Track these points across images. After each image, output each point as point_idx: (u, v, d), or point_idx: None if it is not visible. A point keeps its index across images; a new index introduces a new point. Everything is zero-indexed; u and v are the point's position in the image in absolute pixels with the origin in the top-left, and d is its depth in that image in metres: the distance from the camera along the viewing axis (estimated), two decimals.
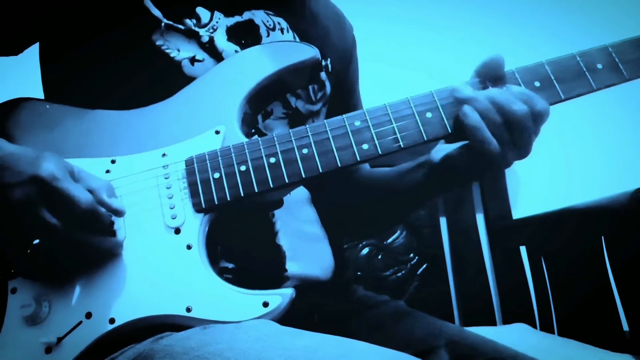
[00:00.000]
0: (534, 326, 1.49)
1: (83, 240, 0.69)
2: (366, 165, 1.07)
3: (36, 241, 0.67)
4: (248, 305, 0.67)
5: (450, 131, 0.73)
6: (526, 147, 0.73)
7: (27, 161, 0.67)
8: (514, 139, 0.72)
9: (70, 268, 0.71)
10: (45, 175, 0.66)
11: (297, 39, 0.93)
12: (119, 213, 0.71)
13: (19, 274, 0.72)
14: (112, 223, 0.73)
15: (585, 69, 0.75)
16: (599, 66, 0.75)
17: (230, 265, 0.78)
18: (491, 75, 0.76)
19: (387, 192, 0.98)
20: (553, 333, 1.41)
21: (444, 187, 0.88)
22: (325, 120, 0.75)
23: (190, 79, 0.82)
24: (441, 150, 0.80)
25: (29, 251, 0.67)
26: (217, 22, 0.86)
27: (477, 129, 0.71)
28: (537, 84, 0.75)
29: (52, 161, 0.67)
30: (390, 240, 1.70)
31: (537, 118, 0.72)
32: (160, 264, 0.71)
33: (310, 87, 0.94)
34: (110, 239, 0.71)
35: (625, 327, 1.18)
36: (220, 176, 0.74)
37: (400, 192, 0.94)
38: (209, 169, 0.74)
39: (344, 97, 1.05)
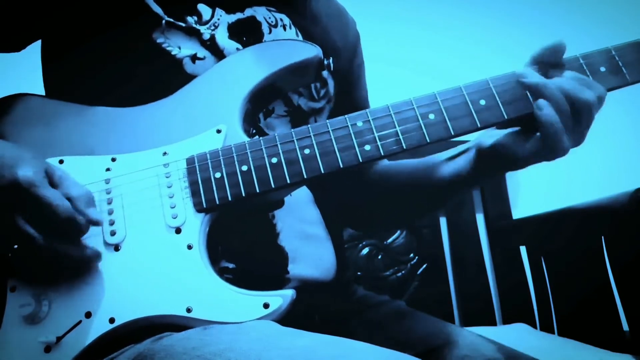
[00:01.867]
0: (534, 326, 1.49)
1: (59, 250, 0.67)
2: (384, 160, 1.06)
3: (15, 246, 0.66)
4: (248, 306, 0.67)
5: (452, 133, 0.73)
6: (584, 134, 0.74)
7: (6, 163, 0.66)
8: (577, 127, 0.72)
9: (48, 275, 0.70)
10: (23, 181, 0.64)
11: (300, 36, 0.93)
12: (96, 223, 0.70)
13: (10, 274, 0.71)
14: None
15: (588, 72, 0.74)
16: (602, 69, 0.75)
17: (231, 266, 0.78)
18: (550, 62, 0.75)
19: (416, 185, 0.96)
20: (553, 333, 1.41)
21: (487, 174, 0.85)
22: (327, 121, 0.75)
23: (191, 77, 0.82)
24: (492, 136, 0.79)
25: (9, 255, 0.66)
26: (218, 19, 0.86)
27: (553, 124, 0.70)
28: None
29: (31, 165, 0.66)
30: (390, 240, 1.70)
31: (600, 103, 0.72)
32: (161, 263, 0.70)
33: (313, 85, 0.93)
34: (87, 249, 0.70)
35: (625, 327, 1.18)
36: (222, 176, 0.73)
37: (434, 182, 0.91)
38: (210, 168, 0.74)
39: (350, 93, 1.05)
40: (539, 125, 0.71)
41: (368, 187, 1.04)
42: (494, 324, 1.66)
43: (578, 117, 0.71)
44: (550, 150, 0.72)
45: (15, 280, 0.71)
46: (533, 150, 0.74)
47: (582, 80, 0.72)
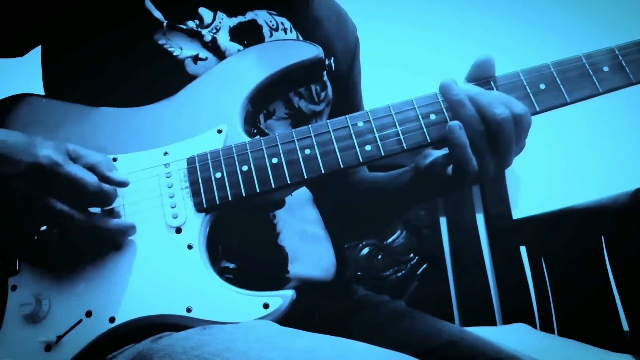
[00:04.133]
0: (534, 326, 1.49)
1: (96, 222, 0.68)
2: (365, 169, 1.07)
3: (43, 227, 0.66)
4: (248, 306, 0.67)
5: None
6: (506, 156, 0.71)
7: (22, 148, 0.66)
8: (495, 146, 0.70)
9: (85, 254, 0.71)
10: (46, 162, 0.65)
11: (301, 39, 0.93)
12: (123, 184, 0.71)
13: (28, 261, 0.71)
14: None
15: (591, 71, 0.74)
16: (605, 69, 0.74)
17: (232, 265, 0.78)
18: (481, 77, 0.74)
19: (380, 194, 0.97)
20: (553, 333, 1.41)
21: (426, 194, 0.86)
22: (328, 121, 0.75)
23: (193, 78, 0.82)
24: (428, 155, 0.78)
25: (35, 237, 0.66)
26: (220, 23, 0.86)
27: (461, 148, 0.69)
28: (542, 86, 0.74)
29: (48, 146, 0.66)
30: (390, 240, 1.70)
31: (518, 122, 0.70)
32: (161, 263, 0.71)
33: (313, 87, 0.93)
34: (123, 220, 0.71)
35: (625, 327, 1.18)
36: (222, 176, 0.73)
37: (391, 194, 0.93)
38: (211, 168, 0.74)
39: (347, 98, 1.05)
40: (449, 147, 0.71)
41: (349, 192, 1.04)
42: (494, 324, 1.66)
43: (493, 136, 0.69)
44: (461, 175, 0.71)
45: (16, 279, 0.71)
46: (451, 171, 0.73)
47: (499, 97, 0.70)
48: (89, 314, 0.69)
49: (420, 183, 0.82)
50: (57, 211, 0.65)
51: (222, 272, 0.75)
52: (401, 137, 0.73)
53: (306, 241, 0.87)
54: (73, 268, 0.71)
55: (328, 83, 0.97)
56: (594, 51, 0.75)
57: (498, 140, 0.70)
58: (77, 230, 0.67)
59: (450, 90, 0.71)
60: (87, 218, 0.68)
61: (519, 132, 0.70)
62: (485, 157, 0.70)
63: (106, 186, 0.69)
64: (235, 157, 0.74)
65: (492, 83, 0.75)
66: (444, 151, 0.75)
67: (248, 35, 0.87)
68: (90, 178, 0.67)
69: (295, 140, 0.74)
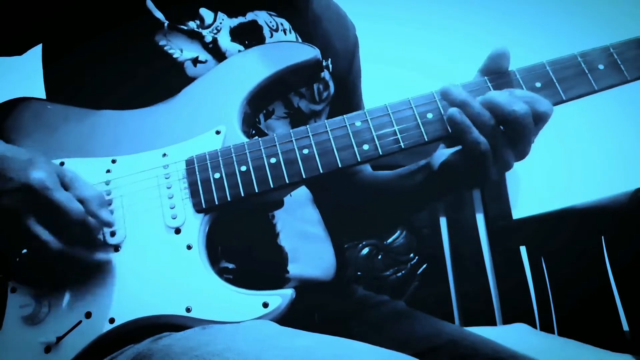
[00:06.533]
0: (534, 326, 1.49)
1: (71, 253, 0.68)
2: (368, 168, 1.07)
3: (24, 250, 0.66)
4: (248, 305, 0.67)
5: (451, 132, 0.73)
6: (525, 148, 0.72)
7: (18, 166, 0.66)
8: (512, 139, 0.71)
9: (58, 278, 0.71)
10: (36, 184, 0.65)
11: (300, 40, 0.93)
12: (108, 225, 0.71)
13: (11, 278, 0.71)
14: (113, 233, 0.73)
15: (586, 70, 0.74)
16: (601, 66, 0.74)
17: (231, 266, 0.78)
18: (495, 69, 0.75)
19: (387, 195, 0.97)
20: (553, 333, 1.41)
21: (443, 191, 0.86)
22: (325, 121, 0.75)
23: (192, 80, 0.82)
24: (442, 155, 0.79)
25: (17, 259, 0.66)
26: (220, 23, 0.86)
27: (464, 132, 0.69)
28: (538, 84, 0.74)
29: (43, 168, 0.66)
30: (390, 240, 1.70)
31: (539, 119, 0.70)
32: (161, 264, 0.71)
33: (316, 87, 0.94)
34: (98, 253, 0.71)
35: (625, 327, 1.18)
36: (221, 176, 0.74)
37: (400, 194, 0.93)
38: (210, 169, 0.74)
39: (347, 97, 1.05)
40: (455, 135, 0.71)
41: (353, 192, 1.04)
42: (494, 324, 1.66)
43: (510, 129, 0.70)
44: (479, 163, 0.71)
45: (16, 282, 0.71)
46: (469, 166, 0.73)
47: (523, 97, 0.70)
48: (88, 315, 0.69)
49: (437, 182, 0.82)
50: (32, 233, 0.65)
51: (221, 272, 0.76)
52: (398, 136, 0.73)
53: (306, 241, 0.87)
54: (56, 286, 0.71)
55: (330, 82, 0.97)
56: (589, 49, 0.76)
57: (516, 134, 0.70)
58: (49, 256, 0.67)
59: (450, 94, 0.71)
60: (63, 247, 0.67)
61: (538, 126, 0.71)
62: (502, 148, 0.71)
63: (91, 221, 0.68)
64: (234, 157, 0.74)
65: (491, 80, 0.75)
66: (458, 148, 0.75)
67: (249, 35, 0.88)
68: (76, 209, 0.66)
69: (294, 140, 0.74)
